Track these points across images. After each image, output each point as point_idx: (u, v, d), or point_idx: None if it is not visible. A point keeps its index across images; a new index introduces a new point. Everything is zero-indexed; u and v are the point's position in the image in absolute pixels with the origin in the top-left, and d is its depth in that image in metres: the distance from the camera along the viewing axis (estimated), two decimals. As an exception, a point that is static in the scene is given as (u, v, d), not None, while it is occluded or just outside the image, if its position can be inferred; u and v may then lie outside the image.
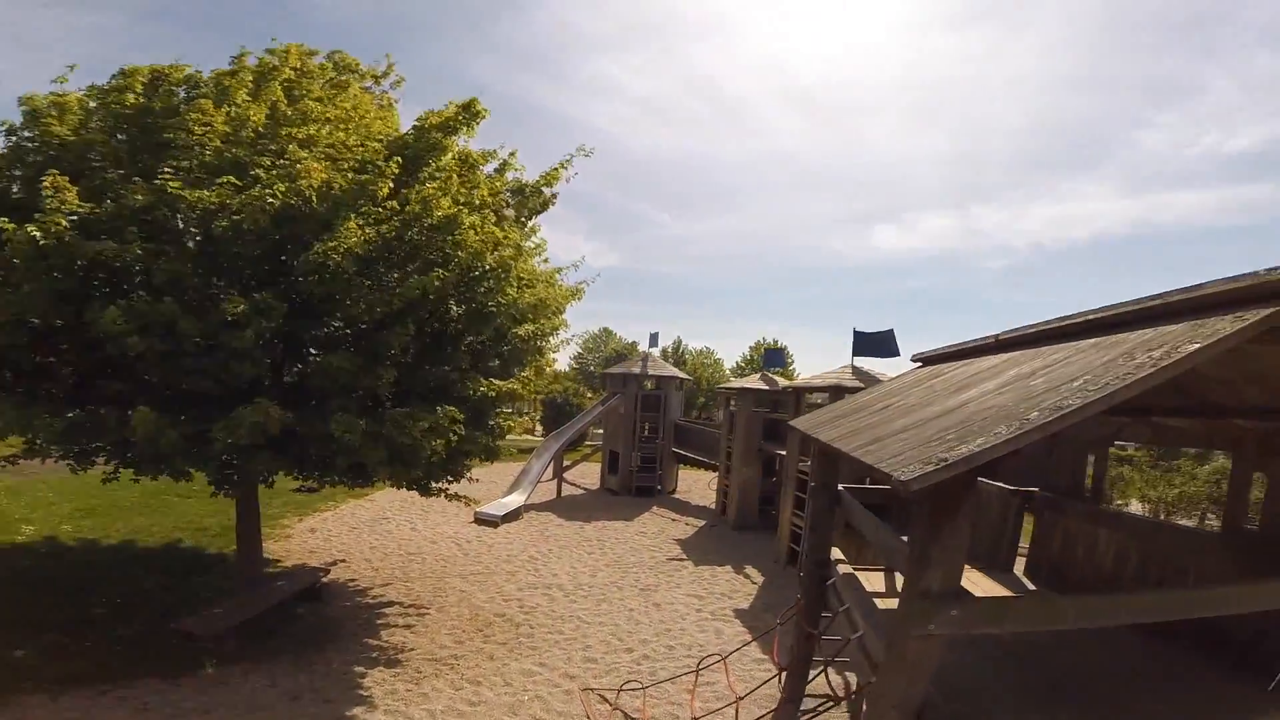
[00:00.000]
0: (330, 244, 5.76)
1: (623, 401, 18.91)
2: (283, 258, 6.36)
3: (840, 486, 5.90)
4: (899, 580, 5.75)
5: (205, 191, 6.03)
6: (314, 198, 6.02)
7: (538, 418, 30.28)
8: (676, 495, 19.54)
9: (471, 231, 6.53)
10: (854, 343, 11.87)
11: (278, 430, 5.77)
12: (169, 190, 5.92)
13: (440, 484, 8.65)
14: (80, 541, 11.68)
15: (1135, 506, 15.20)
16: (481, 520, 14.85)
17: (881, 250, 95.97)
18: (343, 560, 11.65)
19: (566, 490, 19.28)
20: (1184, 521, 13.79)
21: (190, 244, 6.15)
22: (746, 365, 49.87)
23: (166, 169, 6.11)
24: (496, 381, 7.15)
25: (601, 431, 21.15)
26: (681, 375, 20.06)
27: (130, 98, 7.14)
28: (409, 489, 8.13)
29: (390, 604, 9.58)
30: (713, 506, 17.54)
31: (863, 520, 4.79)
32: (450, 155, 7.66)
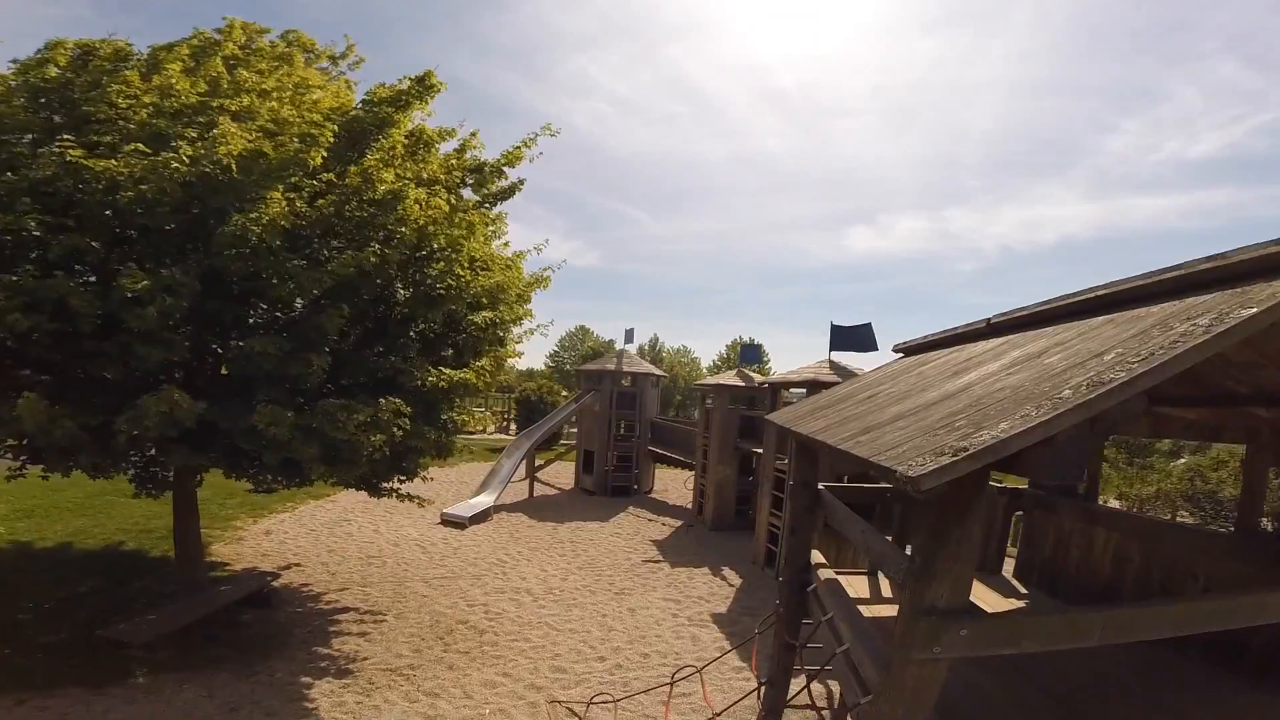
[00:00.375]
0: (250, 215, 5.21)
1: (597, 399, 18.45)
2: (201, 233, 5.76)
3: (820, 485, 5.55)
4: (884, 584, 5.41)
5: (112, 161, 5.46)
6: (233, 166, 5.46)
7: (512, 417, 29.64)
8: (653, 495, 19.15)
9: (416, 205, 6.00)
10: (831, 337, 11.40)
11: (192, 421, 5.20)
12: (69, 160, 5.34)
13: (389, 484, 8.13)
14: (13, 544, 10.88)
15: (1114, 505, 15.23)
16: (448, 522, 14.29)
17: (856, 252, 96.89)
18: (297, 564, 11.02)
19: (539, 490, 18.76)
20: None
21: (99, 219, 5.54)
22: (723, 363, 49.79)
23: (75, 145, 5.52)
24: (447, 371, 6.59)
25: (576, 430, 20.65)
26: (658, 372, 19.67)
27: (52, 70, 6.56)
28: (356, 489, 7.59)
29: (345, 610, 9.01)
30: (690, 506, 17.18)
31: (848, 524, 4.43)
32: (400, 130, 7.10)
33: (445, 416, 7.34)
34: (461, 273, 6.60)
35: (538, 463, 21.54)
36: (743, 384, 15.11)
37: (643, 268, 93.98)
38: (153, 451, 5.90)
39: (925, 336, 5.64)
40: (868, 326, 11.34)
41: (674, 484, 21.26)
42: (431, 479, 10.07)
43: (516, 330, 8.53)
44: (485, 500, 15.29)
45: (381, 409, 5.68)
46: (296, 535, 12.91)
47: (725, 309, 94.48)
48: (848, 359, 11.68)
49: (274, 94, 6.66)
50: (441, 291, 6.51)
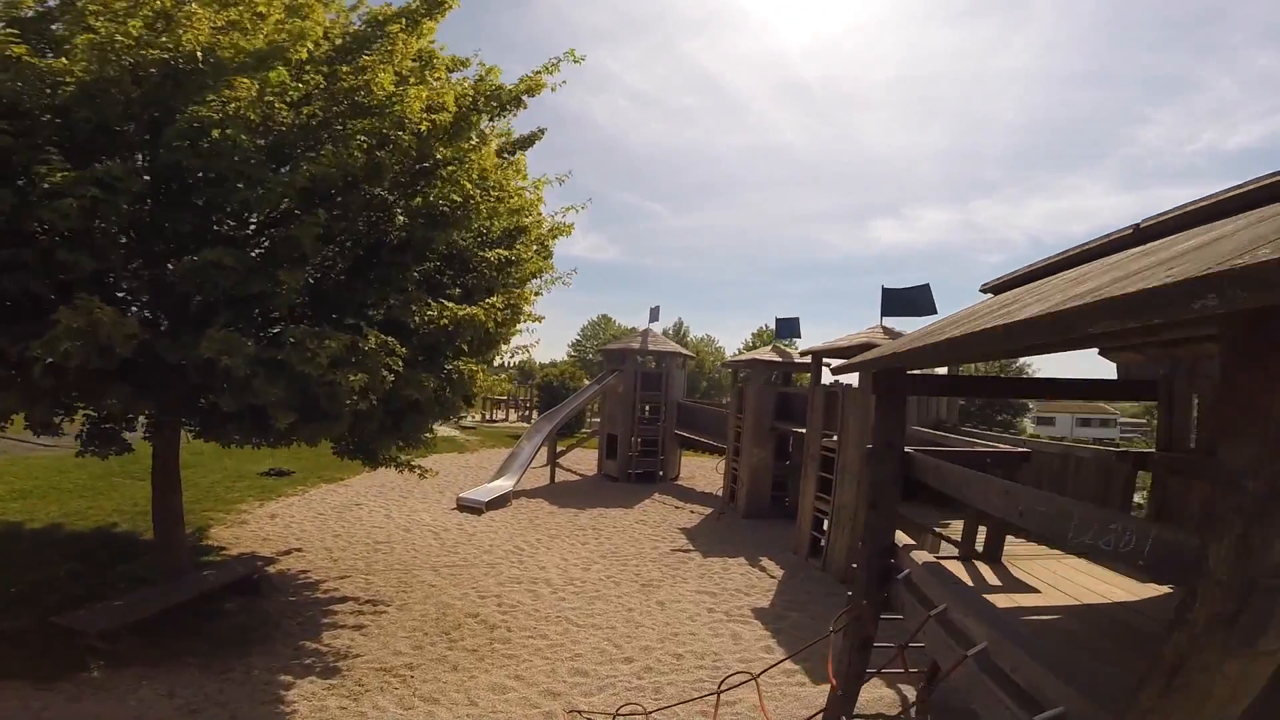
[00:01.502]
0: (209, 100, 4.21)
1: (621, 380, 17.39)
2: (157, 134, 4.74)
3: (907, 449, 4.40)
4: (988, 573, 4.21)
5: (63, 60, 4.52)
6: (198, 55, 4.47)
7: (534, 404, 28.75)
8: (679, 481, 18.05)
9: (417, 103, 4.93)
10: (883, 301, 10.32)
11: (127, 349, 4.19)
12: (10, 55, 4.40)
13: (388, 451, 7.13)
14: (1, 525, 10.20)
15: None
16: (464, 507, 13.37)
17: (880, 244, 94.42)
18: (298, 549, 10.17)
19: (561, 476, 17.80)
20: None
21: (41, 123, 4.57)
22: (746, 351, 48.41)
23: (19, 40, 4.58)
24: (450, 305, 5.48)
25: (598, 416, 19.64)
26: (685, 352, 18.54)
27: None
28: (349, 456, 6.62)
29: (343, 600, 8.09)
30: (719, 493, 16.04)
31: (974, 485, 3.27)
32: (408, 48, 6.00)
33: (450, 366, 6.21)
34: (469, 188, 5.48)
35: (559, 448, 20.63)
36: (779, 359, 13.90)
37: (664, 261, 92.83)
38: (76, 394, 4.90)
39: (1028, 267, 4.45)
40: (925, 288, 10.08)
41: (701, 470, 20.14)
42: (430, 473, 9.08)
43: (535, 283, 7.48)
44: (504, 485, 14.35)
45: (365, 339, 4.63)
46: (303, 519, 12.09)
47: (747, 302, 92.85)
48: (902, 324, 10.49)
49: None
50: (445, 210, 5.40)
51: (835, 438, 9.83)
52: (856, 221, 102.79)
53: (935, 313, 9.72)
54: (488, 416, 30.76)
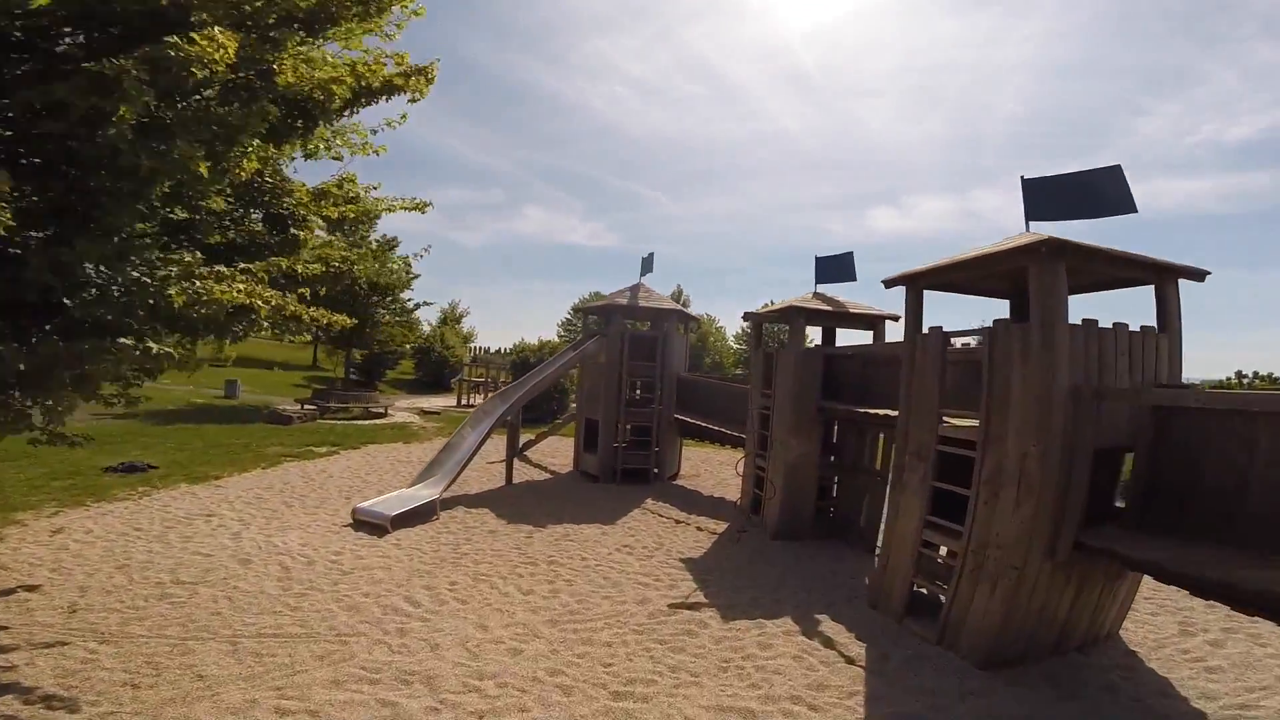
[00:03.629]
0: None
1: (603, 348, 13.02)
2: None
3: None
4: None
5: None
6: None
7: (502, 379, 24.33)
8: (680, 482, 13.72)
9: None
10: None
11: None
12: None
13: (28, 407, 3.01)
14: None
15: None
16: (363, 523, 9.02)
17: (879, 232, 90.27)
18: (34, 586, 5.86)
19: (525, 473, 13.44)
20: None
21: None
22: (745, 338, 44.08)
23: None
24: None
25: (575, 397, 15.23)
26: (687, 311, 14.14)
27: None
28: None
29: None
30: (737, 500, 11.73)
31: None
32: None
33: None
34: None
35: (526, 439, 16.27)
36: (829, 308, 9.55)
37: (662, 248, 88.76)
38: None
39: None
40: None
41: (709, 465, 15.83)
42: (84, 440, 4.93)
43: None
44: (424, 493, 10.01)
45: None
46: (102, 538, 7.76)
47: (746, 289, 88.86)
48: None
49: None
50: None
51: (983, 421, 5.50)
52: (856, 209, 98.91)
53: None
54: (464, 401, 26.40)
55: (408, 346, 37.91)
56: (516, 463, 14.68)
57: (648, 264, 14.20)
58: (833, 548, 9.18)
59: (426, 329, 33.97)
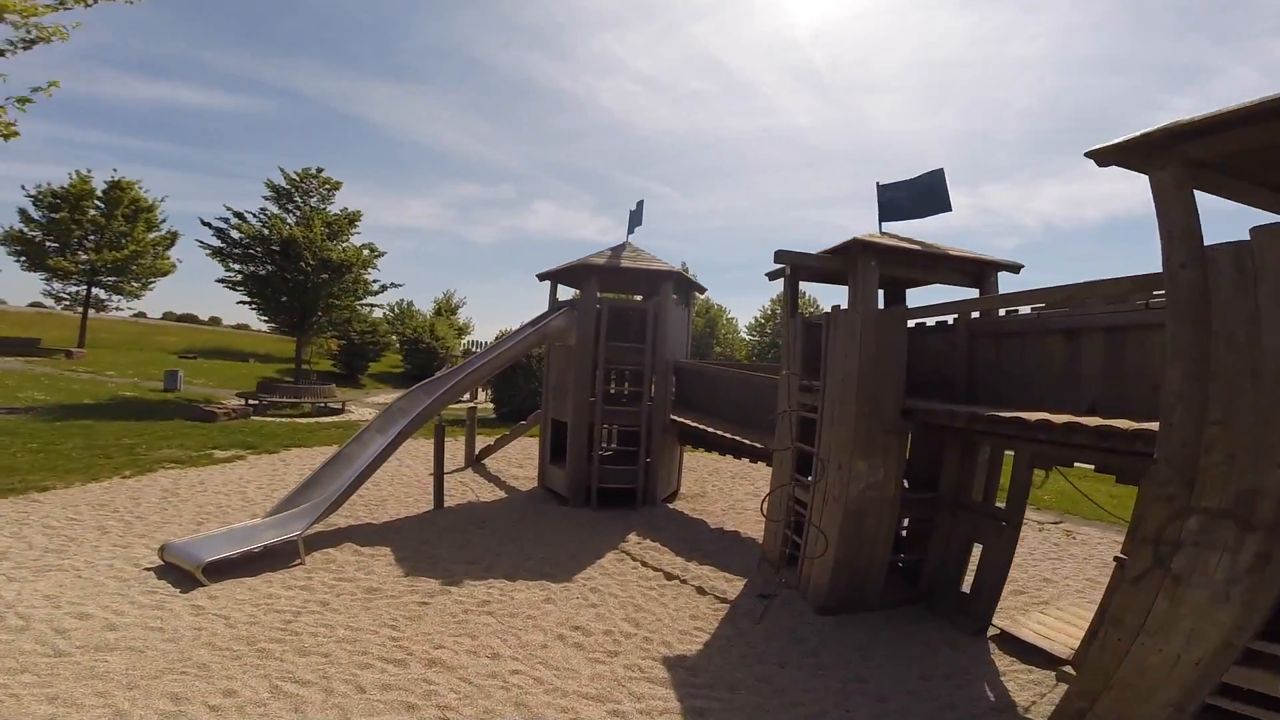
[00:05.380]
0: None
1: (574, 323, 9.55)
2: None
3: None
4: None
5: None
6: None
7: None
8: (680, 505, 10.23)
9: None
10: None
11: None
12: None
13: None
14: None
15: None
16: (174, 561, 5.68)
17: (892, 226, 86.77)
18: None
19: (471, 489, 10.01)
20: None
21: None
22: (766, 321, 40.28)
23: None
24: None
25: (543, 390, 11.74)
26: (686, 275, 10.57)
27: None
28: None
29: None
30: (759, 541, 8.27)
31: None
32: None
33: None
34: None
35: (484, 443, 12.92)
36: (916, 247, 6.02)
37: (673, 244, 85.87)
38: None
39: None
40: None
41: (719, 480, 12.35)
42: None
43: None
44: (281, 528, 6.57)
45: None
46: None
47: (757, 284, 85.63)
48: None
49: None
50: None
51: None
52: (868, 205, 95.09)
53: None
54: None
55: (393, 337, 34.79)
56: (469, 476, 11.30)
57: (636, 216, 10.69)
58: (914, 627, 5.71)
59: (379, 314, 30.56)
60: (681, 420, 9.57)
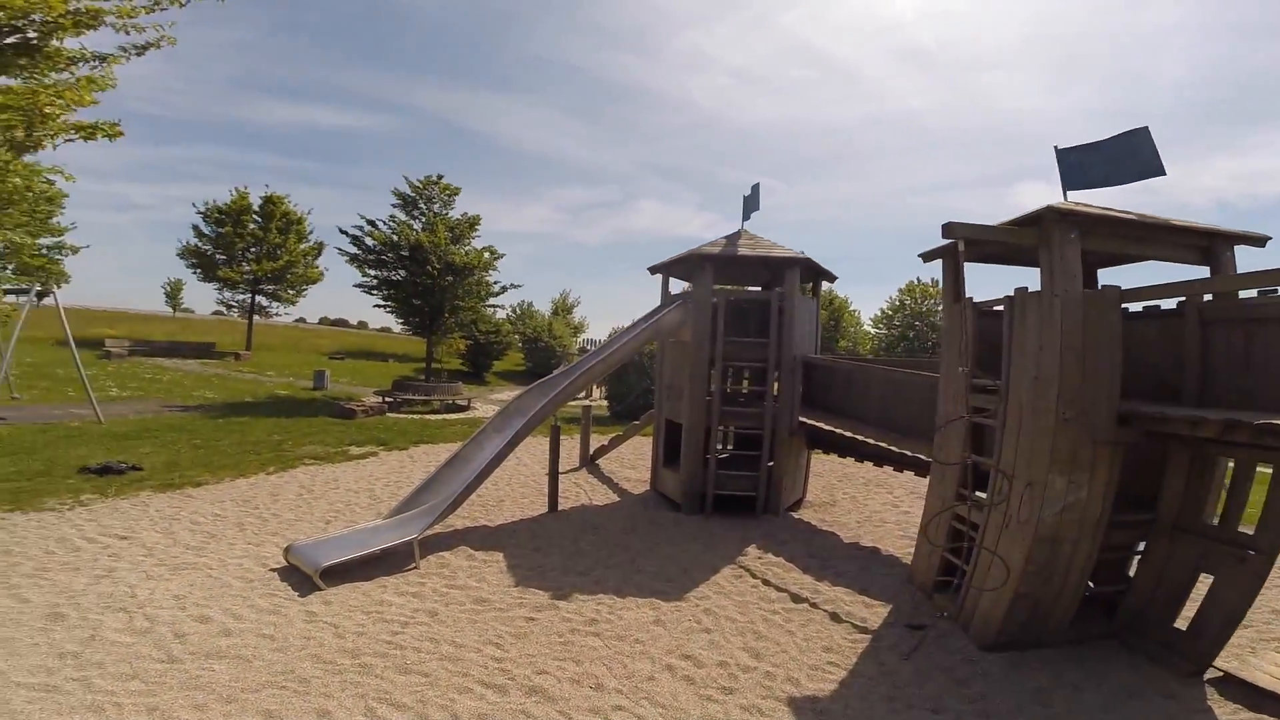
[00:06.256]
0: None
1: (690, 317, 8.90)
2: None
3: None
4: None
5: None
6: None
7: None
8: (806, 515, 9.25)
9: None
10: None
11: None
12: None
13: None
14: None
15: None
16: (296, 563, 5.75)
17: (1029, 207, 77.15)
18: None
19: (584, 491, 9.70)
20: None
21: None
22: (894, 313, 37.30)
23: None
24: None
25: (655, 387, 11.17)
26: (814, 263, 9.51)
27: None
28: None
29: None
30: (902, 560, 7.17)
31: None
32: None
33: None
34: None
35: (599, 444, 12.63)
36: (1130, 216, 4.75)
37: (783, 236, 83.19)
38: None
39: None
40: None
41: (850, 486, 11.18)
42: None
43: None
44: (398, 531, 6.50)
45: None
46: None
47: (875, 273, 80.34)
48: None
49: None
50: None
51: None
52: (999, 186, 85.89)
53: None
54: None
55: (515, 336, 36.22)
56: (583, 477, 11.03)
57: (752, 201, 9.82)
58: (1106, 666, 4.50)
59: (501, 314, 31.70)
60: (810, 422, 8.59)
